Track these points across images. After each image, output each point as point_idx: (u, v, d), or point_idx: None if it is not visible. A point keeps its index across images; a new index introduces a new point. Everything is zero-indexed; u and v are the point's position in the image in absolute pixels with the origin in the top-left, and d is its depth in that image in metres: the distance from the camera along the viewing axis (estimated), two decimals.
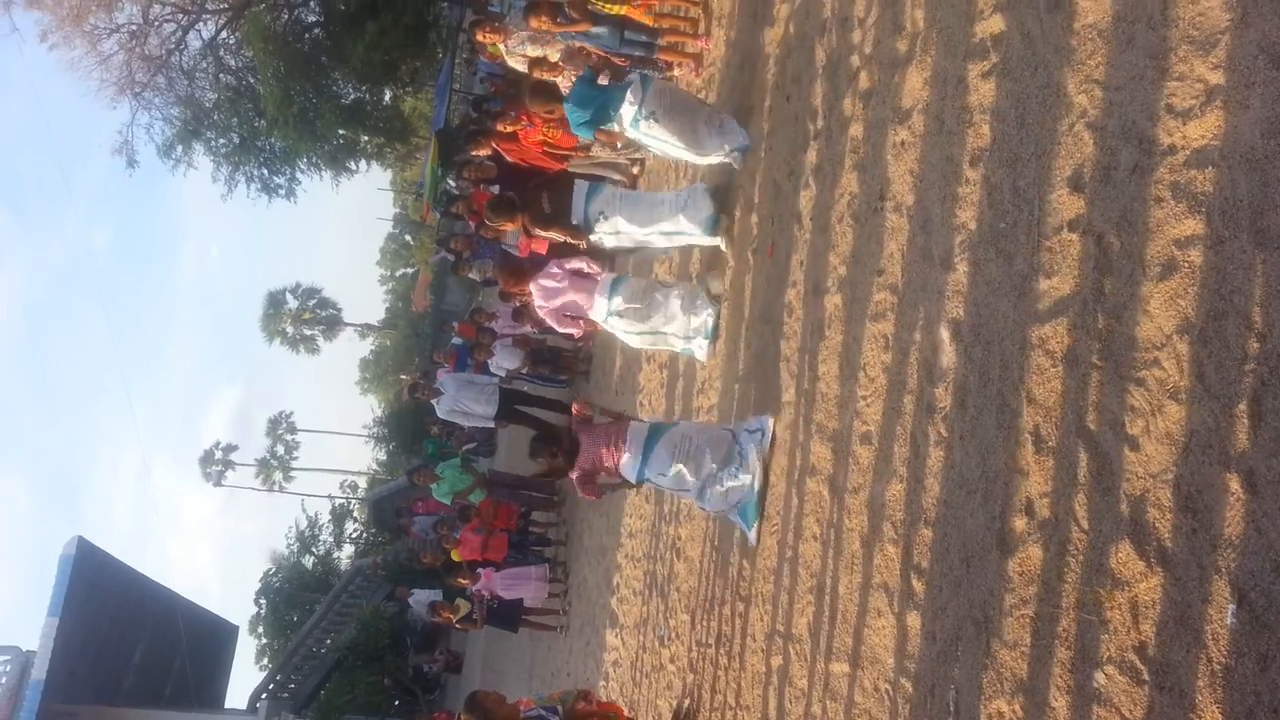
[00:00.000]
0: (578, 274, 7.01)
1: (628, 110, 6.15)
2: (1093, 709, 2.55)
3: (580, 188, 6.71)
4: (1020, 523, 2.96)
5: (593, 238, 6.67)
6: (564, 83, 7.44)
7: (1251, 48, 2.37)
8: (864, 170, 4.55)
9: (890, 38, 4.43)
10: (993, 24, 3.55)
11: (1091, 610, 2.60)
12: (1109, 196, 2.78)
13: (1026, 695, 2.85)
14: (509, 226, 7.62)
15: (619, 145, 7.36)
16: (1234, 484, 2.21)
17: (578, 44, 7.43)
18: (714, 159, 6.50)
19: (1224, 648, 2.16)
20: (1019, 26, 3.37)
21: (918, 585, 3.55)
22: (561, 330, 8.31)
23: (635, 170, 9.58)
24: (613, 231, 6.59)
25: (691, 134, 6.25)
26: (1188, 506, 2.33)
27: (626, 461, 5.49)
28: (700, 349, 6.66)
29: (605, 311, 6.71)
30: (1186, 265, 2.46)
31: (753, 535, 5.29)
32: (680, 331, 6.61)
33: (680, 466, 5.35)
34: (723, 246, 6.57)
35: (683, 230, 6.55)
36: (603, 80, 6.43)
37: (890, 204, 4.19)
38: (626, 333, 6.80)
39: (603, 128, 6.54)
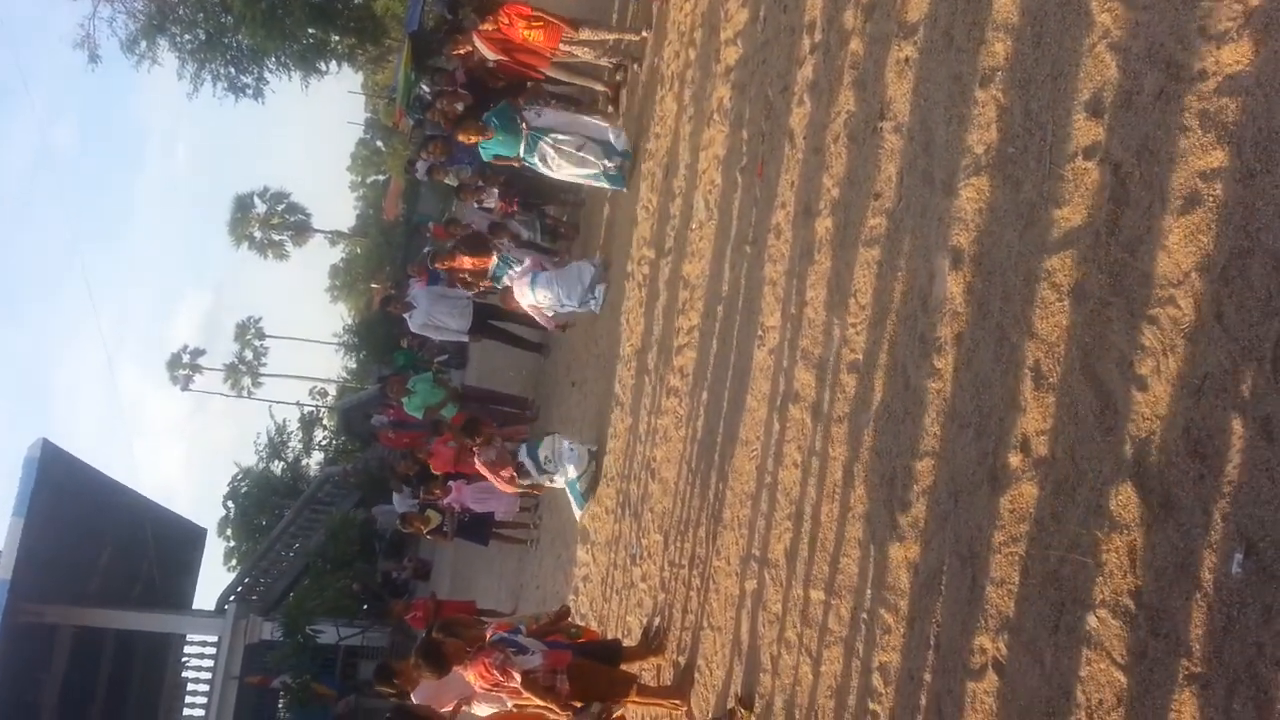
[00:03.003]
0: None
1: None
2: (1081, 651, 2.51)
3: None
4: (1015, 459, 2.89)
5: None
6: None
7: None
8: (863, 88, 4.36)
9: None
10: None
11: (1086, 552, 2.55)
12: (1130, 124, 2.64)
13: (1011, 633, 2.81)
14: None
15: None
16: (1249, 430, 2.12)
17: None
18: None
19: (1227, 597, 2.11)
20: None
21: (901, 518, 3.50)
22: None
23: (619, 77, 9.26)
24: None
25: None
26: (1197, 451, 2.25)
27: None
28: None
29: None
30: (1211, 199, 2.34)
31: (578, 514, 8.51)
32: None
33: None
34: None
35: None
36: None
37: (890, 124, 4.02)
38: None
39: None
